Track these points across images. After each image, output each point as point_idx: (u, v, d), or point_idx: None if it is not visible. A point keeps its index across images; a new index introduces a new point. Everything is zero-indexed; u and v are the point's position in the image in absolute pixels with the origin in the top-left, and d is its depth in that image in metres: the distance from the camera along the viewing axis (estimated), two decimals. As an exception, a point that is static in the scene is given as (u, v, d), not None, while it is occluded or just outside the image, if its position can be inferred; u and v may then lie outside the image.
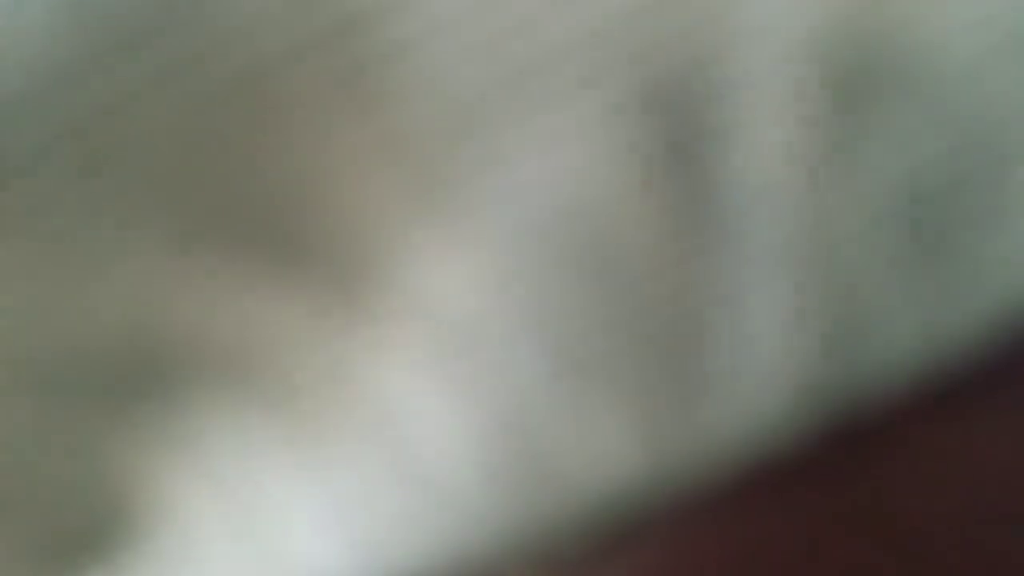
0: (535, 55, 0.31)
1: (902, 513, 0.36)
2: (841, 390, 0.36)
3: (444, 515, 0.35)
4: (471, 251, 0.33)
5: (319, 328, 0.33)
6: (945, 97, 0.33)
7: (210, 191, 0.31)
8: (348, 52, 0.30)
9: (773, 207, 0.33)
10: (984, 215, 0.35)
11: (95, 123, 0.30)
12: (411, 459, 0.35)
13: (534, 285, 0.33)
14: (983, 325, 0.36)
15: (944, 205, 0.35)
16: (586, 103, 0.32)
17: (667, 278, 0.34)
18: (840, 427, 0.37)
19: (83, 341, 0.32)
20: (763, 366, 0.35)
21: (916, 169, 0.34)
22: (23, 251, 0.31)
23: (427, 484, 0.35)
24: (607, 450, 0.36)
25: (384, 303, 0.33)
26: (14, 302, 0.31)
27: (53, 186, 0.30)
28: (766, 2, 0.32)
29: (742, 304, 0.34)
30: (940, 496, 0.36)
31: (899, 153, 0.34)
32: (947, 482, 0.36)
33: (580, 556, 0.37)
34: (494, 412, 0.35)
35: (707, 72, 0.32)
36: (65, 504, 0.34)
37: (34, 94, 0.30)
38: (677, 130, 0.32)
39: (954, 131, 0.34)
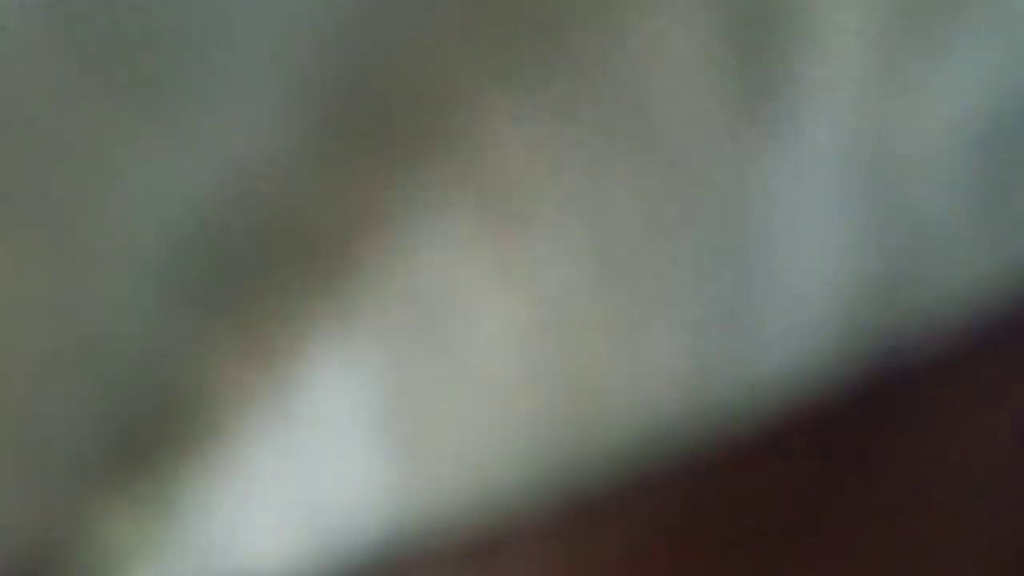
0: None
1: (938, 460, 0.35)
2: (888, 324, 0.35)
3: (486, 413, 0.34)
4: (535, 127, 0.31)
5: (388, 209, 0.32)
6: None
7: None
8: None
9: (837, 119, 0.32)
10: None
11: None
12: (459, 352, 0.34)
13: (588, 172, 0.32)
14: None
15: (1012, 146, 0.34)
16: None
17: (725, 183, 0.32)
18: (884, 366, 0.35)
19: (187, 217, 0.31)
20: (812, 288, 0.34)
21: (988, 104, 0.33)
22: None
23: (471, 378, 0.34)
24: (651, 368, 0.34)
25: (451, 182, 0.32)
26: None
27: None
28: None
29: (795, 219, 0.33)
30: (977, 443, 0.35)
31: (974, 84, 0.32)
32: (991, 429, 0.35)
33: (608, 494, 0.36)
34: (541, 312, 0.33)
35: None
36: (146, 384, 0.33)
37: None
38: (748, 30, 0.30)
39: None
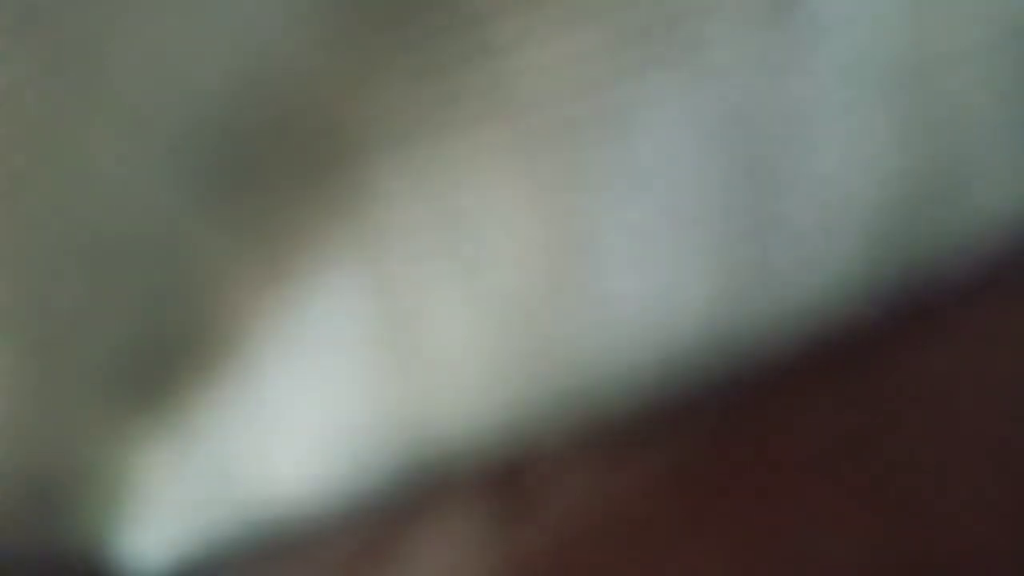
0: None
1: (952, 397, 0.34)
2: (926, 237, 0.33)
3: (510, 338, 0.34)
4: (559, 36, 0.30)
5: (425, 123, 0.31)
6: None
7: None
8: None
9: (865, 15, 0.30)
10: None
11: None
12: (481, 272, 0.33)
13: (613, 81, 0.31)
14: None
15: None
16: None
17: (755, 90, 0.30)
18: (922, 284, 0.34)
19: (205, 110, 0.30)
20: (845, 198, 0.32)
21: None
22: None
23: (493, 299, 0.33)
24: (676, 289, 0.33)
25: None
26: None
27: None
28: None
29: (824, 125, 0.31)
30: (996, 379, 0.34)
31: None
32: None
33: (629, 419, 0.34)
34: (563, 231, 0.32)
35: None
36: (163, 303, 0.32)
37: None
38: None
39: None
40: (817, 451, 0.34)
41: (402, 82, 0.31)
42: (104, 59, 0.29)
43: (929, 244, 0.34)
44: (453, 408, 0.35)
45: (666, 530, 0.34)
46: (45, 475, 0.34)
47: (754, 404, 0.34)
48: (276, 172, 0.31)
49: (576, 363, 0.34)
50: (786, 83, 0.31)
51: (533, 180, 0.32)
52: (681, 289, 0.33)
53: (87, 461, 0.34)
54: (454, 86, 0.31)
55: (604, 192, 0.32)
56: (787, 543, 0.33)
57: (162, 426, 0.34)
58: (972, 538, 0.31)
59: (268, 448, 0.34)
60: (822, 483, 0.33)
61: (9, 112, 0.29)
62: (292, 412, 0.34)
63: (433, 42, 0.30)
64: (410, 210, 0.32)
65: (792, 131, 0.32)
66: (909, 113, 0.32)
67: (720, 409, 0.34)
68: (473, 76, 0.31)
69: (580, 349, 0.34)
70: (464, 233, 0.32)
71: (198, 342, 0.33)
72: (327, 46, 0.30)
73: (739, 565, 0.33)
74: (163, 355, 0.33)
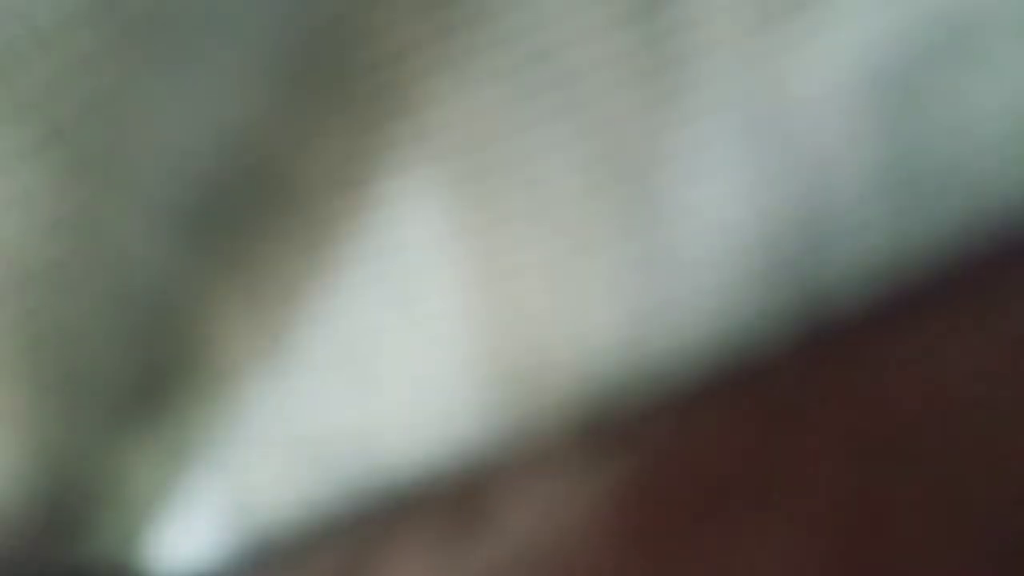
0: None
1: (868, 416, 0.37)
2: (809, 267, 0.37)
3: (434, 360, 0.39)
4: (474, 89, 0.36)
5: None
6: None
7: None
8: None
9: (733, 59, 0.35)
10: (949, 91, 0.36)
11: None
12: (414, 302, 0.39)
13: (522, 133, 0.37)
14: (951, 222, 0.37)
15: (908, 78, 0.36)
16: None
17: (629, 125, 0.36)
18: (806, 324, 0.38)
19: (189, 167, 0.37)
20: (728, 236, 0.36)
21: (887, 39, 0.35)
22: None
23: (425, 328, 0.39)
24: (586, 308, 0.37)
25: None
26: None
27: None
28: None
29: (703, 161, 0.36)
30: (905, 401, 0.36)
31: (859, 22, 0.35)
32: (913, 387, 0.36)
33: (549, 449, 0.39)
34: (489, 264, 0.38)
35: None
36: (163, 329, 0.39)
37: None
38: None
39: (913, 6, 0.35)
40: (719, 479, 0.37)
41: (343, 136, 0.38)
42: (117, 155, 0.37)
43: (818, 271, 0.38)
44: (410, 430, 0.40)
45: (608, 542, 0.37)
46: (64, 494, 0.40)
47: (663, 426, 0.38)
48: (248, 219, 0.38)
49: (514, 385, 0.39)
50: (664, 125, 0.37)
51: (456, 217, 0.38)
52: (588, 311, 0.38)
53: (100, 480, 0.40)
54: (384, 138, 0.37)
55: (517, 229, 0.38)
56: (708, 550, 0.36)
57: (162, 444, 0.40)
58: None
59: (251, 462, 0.40)
60: (727, 506, 0.37)
61: (34, 206, 0.37)
62: (269, 430, 0.40)
63: (365, 103, 0.37)
64: (357, 243, 0.38)
65: (672, 168, 0.37)
66: (778, 152, 0.37)
67: (648, 430, 0.38)
68: (400, 128, 0.37)
69: (514, 370, 0.39)
70: (403, 263, 0.38)
71: (190, 369, 0.40)
72: (283, 112, 0.37)
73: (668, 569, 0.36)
74: (161, 382, 0.40)
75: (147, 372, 0.39)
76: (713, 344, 0.38)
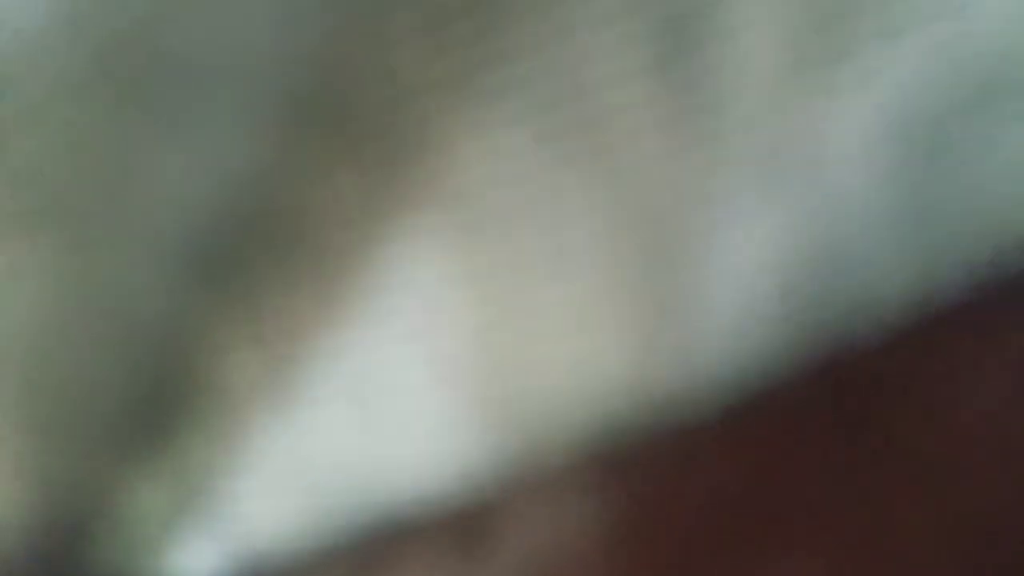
0: None
1: (893, 447, 0.37)
2: (827, 314, 0.37)
3: (447, 396, 0.38)
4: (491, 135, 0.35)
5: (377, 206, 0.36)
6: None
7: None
8: None
9: (756, 116, 0.34)
10: (978, 145, 0.35)
11: None
12: (422, 342, 0.38)
13: (537, 178, 0.36)
14: (975, 253, 0.36)
15: (936, 131, 0.35)
16: None
17: (653, 170, 0.35)
18: (827, 358, 0.37)
19: (180, 202, 0.36)
20: (747, 282, 0.36)
21: (910, 98, 0.35)
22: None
23: (432, 366, 0.38)
24: (600, 352, 0.37)
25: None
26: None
27: None
28: None
29: (726, 209, 0.35)
30: (931, 429, 0.36)
31: (890, 74, 0.34)
32: (938, 415, 0.36)
33: (559, 481, 0.38)
34: (497, 309, 0.37)
35: None
36: (164, 365, 0.39)
37: None
38: (673, 23, 0.33)
39: (947, 58, 0.34)
40: (736, 518, 0.37)
41: (354, 175, 0.36)
42: (119, 213, 0.36)
43: (834, 315, 0.38)
44: (415, 467, 0.39)
45: (609, 568, 0.37)
46: (63, 525, 0.40)
47: (684, 459, 0.38)
48: (255, 256, 0.37)
49: (519, 422, 0.39)
50: (689, 172, 0.36)
51: (468, 258, 0.37)
52: (603, 355, 0.38)
53: (100, 512, 0.40)
54: (396, 177, 0.36)
55: (532, 272, 0.37)
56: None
57: (163, 472, 0.39)
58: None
59: (250, 492, 0.40)
60: (744, 546, 0.37)
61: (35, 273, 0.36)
62: (271, 462, 0.40)
63: (378, 142, 0.36)
64: (364, 280, 0.37)
65: (694, 214, 0.36)
66: (799, 203, 0.36)
67: (652, 464, 0.38)
68: (413, 169, 0.36)
69: (521, 410, 0.39)
70: (412, 301, 0.38)
71: (192, 402, 0.39)
72: (292, 152, 0.36)
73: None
74: (163, 413, 0.39)
75: (150, 406, 0.39)
76: (727, 385, 0.38)
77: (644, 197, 0.36)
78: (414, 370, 0.38)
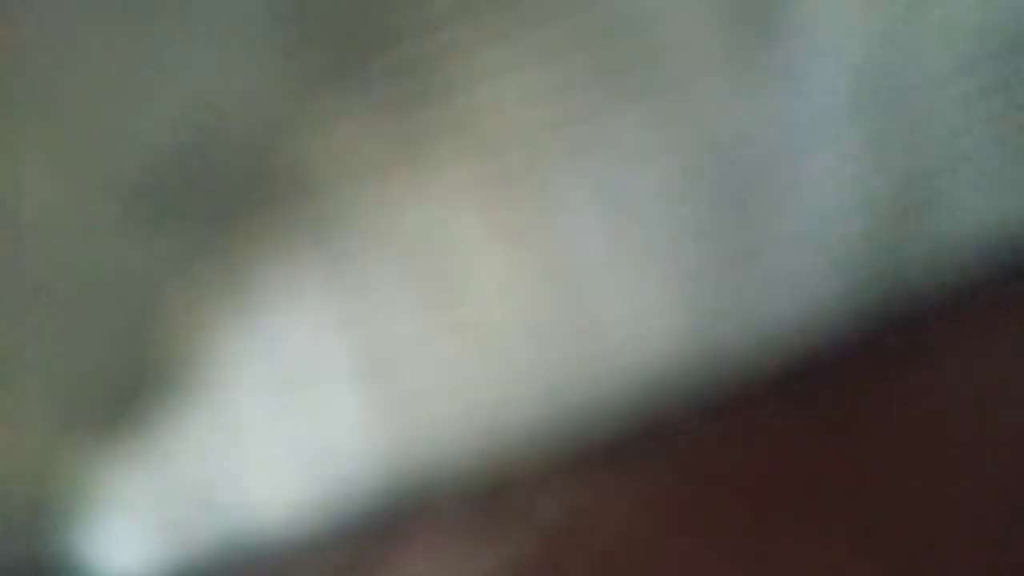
0: None
1: (934, 417, 0.33)
2: (898, 267, 0.33)
3: (484, 364, 0.34)
4: (530, 74, 0.30)
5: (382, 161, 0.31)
6: None
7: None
8: None
9: (844, 33, 0.30)
10: None
11: None
12: (455, 305, 0.33)
13: (591, 111, 0.31)
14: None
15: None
16: None
17: (731, 117, 0.30)
18: (892, 314, 0.34)
19: (160, 146, 0.30)
20: (821, 229, 0.32)
21: (1007, 16, 0.30)
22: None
23: (469, 330, 0.33)
24: (652, 312, 0.33)
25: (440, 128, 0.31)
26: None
27: None
28: None
29: (802, 146, 0.31)
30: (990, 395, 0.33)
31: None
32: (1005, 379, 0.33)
33: (610, 445, 0.35)
34: (546, 263, 0.32)
35: None
36: (132, 334, 0.33)
37: None
38: None
39: None
40: (795, 479, 0.34)
41: (365, 118, 0.31)
42: (58, 105, 0.30)
43: (908, 267, 0.34)
44: (432, 433, 0.35)
45: (640, 548, 0.34)
46: (20, 501, 0.35)
47: (731, 429, 0.34)
48: (238, 206, 0.32)
49: (555, 389, 0.34)
50: (760, 110, 0.31)
51: (506, 212, 0.32)
52: (661, 316, 0.33)
53: (60, 487, 0.35)
54: (419, 123, 0.31)
55: (578, 224, 0.32)
56: (754, 562, 0.33)
57: (132, 452, 0.34)
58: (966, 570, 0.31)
59: (245, 474, 0.35)
60: (800, 512, 0.33)
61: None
62: (269, 440, 0.35)
63: (394, 79, 0.30)
64: (381, 243, 0.32)
65: (771, 156, 0.32)
66: (885, 137, 0.32)
67: (697, 434, 0.35)
68: (438, 113, 0.31)
69: (558, 377, 0.34)
70: (438, 265, 0.33)
71: (163, 371, 0.33)
72: (293, 87, 0.30)
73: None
74: (129, 384, 0.33)
75: (111, 373, 0.33)
76: (783, 344, 0.34)
77: (713, 135, 0.31)
78: (440, 341, 0.33)
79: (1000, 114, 0.32)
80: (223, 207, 0.31)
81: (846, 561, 0.32)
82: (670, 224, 0.32)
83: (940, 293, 0.34)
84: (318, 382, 0.34)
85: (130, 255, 0.32)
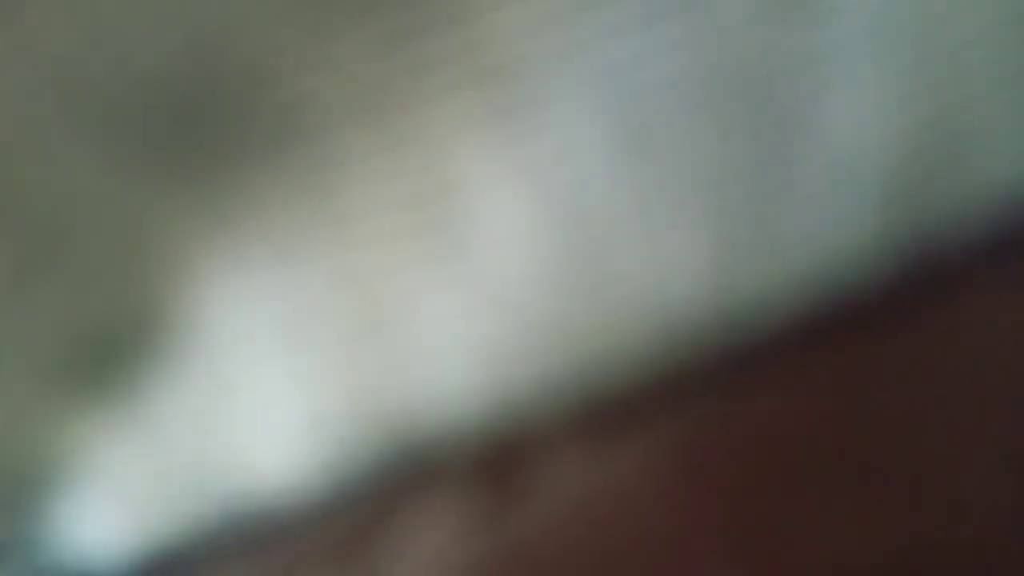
0: None
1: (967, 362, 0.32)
2: (926, 205, 0.31)
3: (503, 318, 0.32)
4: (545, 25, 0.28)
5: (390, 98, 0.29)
6: None
7: None
8: None
9: None
10: None
11: None
12: (464, 253, 0.31)
13: (602, 49, 0.29)
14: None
15: None
16: None
17: (752, 43, 0.28)
18: (920, 254, 0.32)
19: (145, 65, 0.28)
20: (848, 166, 0.30)
21: None
22: None
23: (478, 279, 0.31)
24: (675, 261, 0.31)
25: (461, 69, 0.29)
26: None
27: None
28: None
29: (830, 88, 0.29)
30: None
31: None
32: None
33: (627, 398, 0.33)
34: (559, 206, 0.30)
35: None
36: (116, 287, 0.31)
37: None
38: None
39: None
40: (817, 429, 0.32)
41: (367, 50, 0.29)
42: (31, 26, 0.27)
43: (938, 206, 0.32)
44: (438, 392, 0.33)
45: (658, 512, 0.32)
46: (5, 471, 0.33)
47: (755, 380, 0.33)
48: (232, 148, 0.29)
49: (570, 343, 0.33)
50: (788, 39, 0.29)
51: (518, 151, 0.30)
52: (681, 261, 0.31)
53: (46, 455, 0.32)
54: (422, 53, 0.29)
55: (596, 161, 0.30)
56: (781, 526, 0.31)
57: (121, 416, 0.32)
58: (973, 531, 0.29)
59: (245, 438, 0.33)
60: (820, 463, 0.32)
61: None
62: (269, 402, 0.33)
63: (397, 8, 0.28)
64: (385, 187, 0.30)
65: (796, 89, 0.30)
66: (916, 67, 0.30)
67: (718, 387, 0.33)
68: (443, 42, 0.29)
69: (575, 327, 0.32)
70: (446, 211, 0.30)
71: (152, 330, 0.31)
72: (289, 15, 0.28)
73: (734, 547, 0.31)
74: (115, 342, 0.31)
75: (93, 330, 0.31)
76: (807, 288, 0.32)
77: (735, 63, 0.29)
78: (452, 294, 0.31)
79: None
80: (216, 144, 0.29)
81: (871, 514, 0.31)
82: (690, 162, 0.30)
83: (969, 232, 0.33)
84: (318, 338, 0.32)
85: (111, 192, 0.29)
